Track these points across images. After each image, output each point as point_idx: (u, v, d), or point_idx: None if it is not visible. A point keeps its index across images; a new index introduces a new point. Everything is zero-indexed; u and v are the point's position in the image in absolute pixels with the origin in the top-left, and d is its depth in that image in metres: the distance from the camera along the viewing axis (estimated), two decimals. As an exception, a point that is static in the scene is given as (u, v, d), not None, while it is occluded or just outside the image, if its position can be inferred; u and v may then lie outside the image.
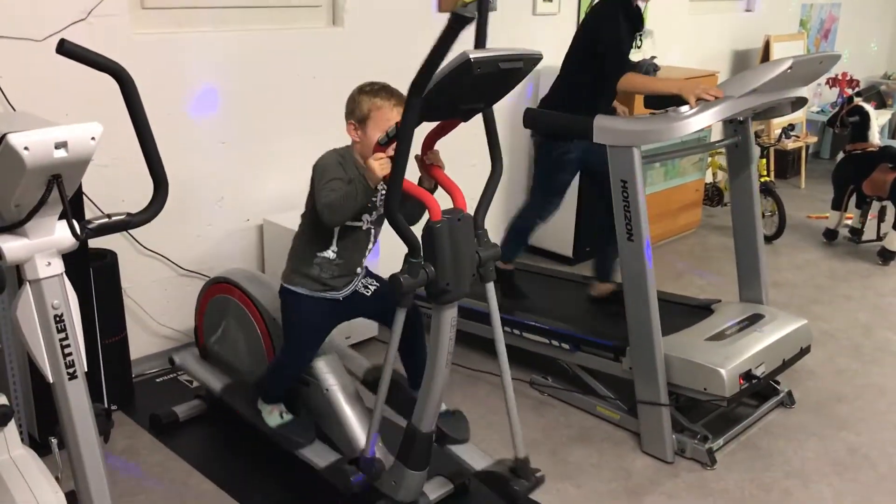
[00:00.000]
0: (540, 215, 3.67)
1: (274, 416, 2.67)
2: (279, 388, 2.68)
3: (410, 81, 1.98)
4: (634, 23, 3.36)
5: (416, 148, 2.40)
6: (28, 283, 1.60)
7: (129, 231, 3.07)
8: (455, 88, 2.05)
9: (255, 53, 3.42)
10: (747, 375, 2.91)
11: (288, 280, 2.54)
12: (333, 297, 2.54)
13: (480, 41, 2.23)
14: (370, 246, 2.56)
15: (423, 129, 2.34)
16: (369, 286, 2.62)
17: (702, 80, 3.31)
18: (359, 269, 2.57)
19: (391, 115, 2.36)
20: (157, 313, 3.40)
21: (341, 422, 2.56)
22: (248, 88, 3.43)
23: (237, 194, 3.51)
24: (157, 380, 3.39)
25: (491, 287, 2.38)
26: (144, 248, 3.28)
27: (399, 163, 2.08)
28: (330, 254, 2.48)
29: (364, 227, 2.49)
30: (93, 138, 1.52)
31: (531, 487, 2.46)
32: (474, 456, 2.57)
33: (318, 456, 2.58)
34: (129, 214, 1.72)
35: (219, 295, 2.94)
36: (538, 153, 3.60)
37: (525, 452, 2.46)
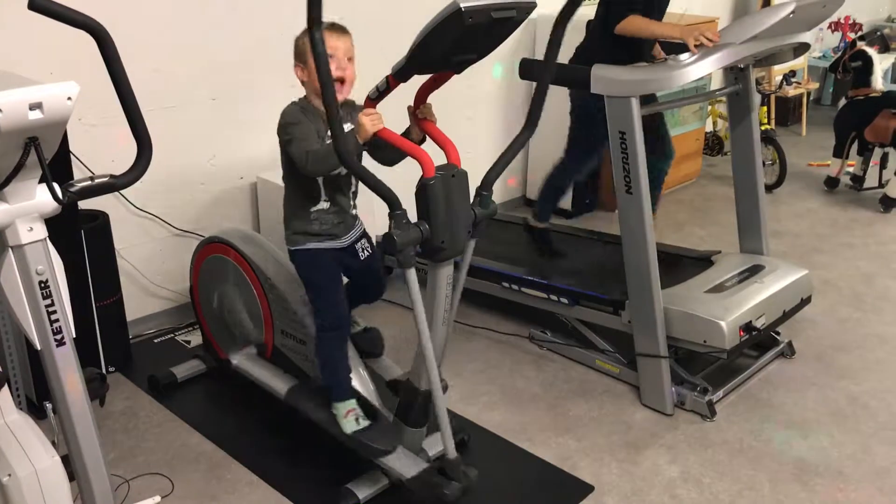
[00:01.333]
0: (579, 171, 3.61)
1: (350, 420, 2.46)
2: (340, 375, 2.52)
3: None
4: None
5: (409, 99, 2.36)
6: (10, 250, 1.56)
7: (121, 191, 3.02)
8: (446, 39, 1.99)
9: (244, 6, 3.34)
10: (747, 327, 2.89)
11: (294, 242, 2.49)
12: (335, 247, 2.51)
13: None
14: (353, 187, 2.51)
15: (416, 82, 2.29)
16: (364, 249, 2.59)
17: (702, 26, 3.19)
18: (353, 210, 2.53)
19: (329, 38, 2.22)
20: (153, 274, 3.38)
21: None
22: (239, 43, 3.35)
23: (229, 152, 3.46)
24: (156, 340, 3.38)
25: (471, 243, 2.33)
26: (137, 208, 3.24)
27: (332, 107, 1.91)
28: (323, 204, 2.45)
29: (344, 172, 2.43)
30: (69, 98, 1.47)
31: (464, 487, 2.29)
32: (389, 369, 2.77)
33: (401, 463, 2.37)
34: (112, 176, 1.67)
35: (213, 255, 2.91)
36: (576, 108, 3.43)
37: (445, 383, 2.53)
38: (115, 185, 1.67)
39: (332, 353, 2.51)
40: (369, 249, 2.61)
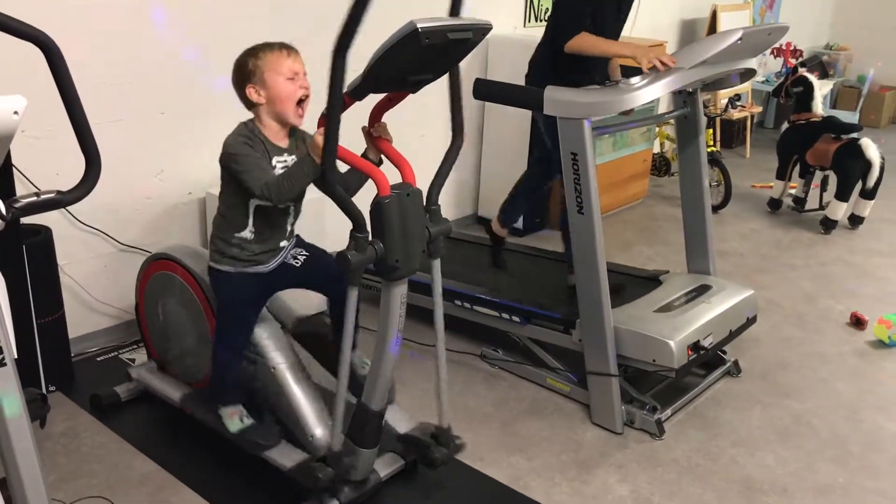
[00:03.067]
0: (542, 185, 3.67)
1: (234, 420, 2.56)
2: (229, 384, 2.56)
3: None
4: None
5: (363, 119, 2.35)
6: (-50, 267, 1.50)
7: (65, 206, 2.94)
8: (403, 60, 1.99)
9: (192, 21, 3.29)
10: (695, 346, 2.93)
11: (213, 260, 2.47)
12: (259, 271, 2.46)
13: (455, 8, 2.15)
14: (290, 220, 2.48)
15: (371, 101, 2.29)
16: (298, 256, 2.53)
17: (656, 48, 3.26)
18: (283, 244, 2.49)
19: (286, 60, 2.29)
20: (97, 290, 3.29)
21: (289, 401, 2.51)
22: (189, 56, 3.30)
23: (178, 166, 3.40)
24: (98, 358, 3.29)
25: (437, 263, 2.34)
26: (82, 223, 3.16)
27: (331, 131, 1.99)
28: (247, 234, 2.41)
29: (282, 205, 2.38)
30: (16, 112, 1.42)
31: (450, 454, 2.49)
32: (399, 419, 2.61)
33: (284, 456, 2.48)
34: (59, 192, 1.62)
35: (160, 272, 2.85)
36: (542, 123, 3.39)
37: (448, 423, 2.49)
38: (61, 201, 1.62)
39: (225, 365, 2.53)
40: (305, 253, 2.53)
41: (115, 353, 3.32)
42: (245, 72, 2.34)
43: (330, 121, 1.99)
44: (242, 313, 2.52)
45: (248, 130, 2.35)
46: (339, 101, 1.96)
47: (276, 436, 2.54)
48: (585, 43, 3.10)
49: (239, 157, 2.28)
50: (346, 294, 2.17)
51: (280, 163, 2.35)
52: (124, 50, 3.12)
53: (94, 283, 3.27)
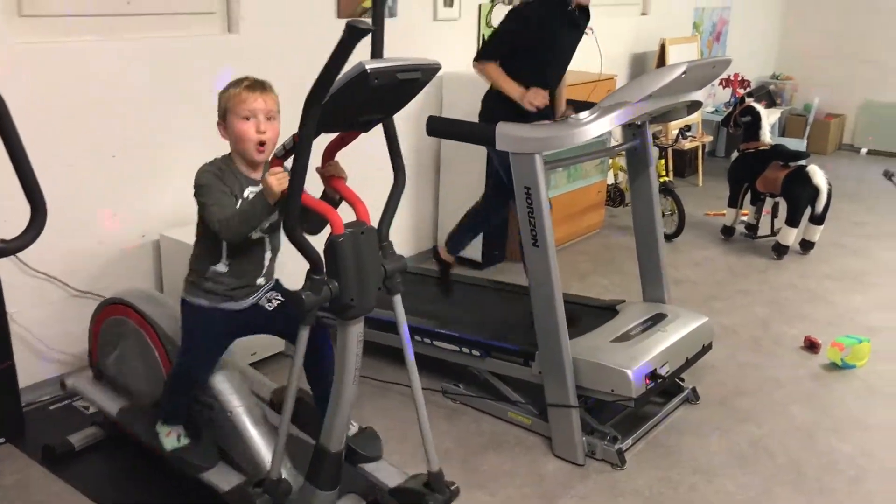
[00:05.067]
0: (493, 217, 3.73)
1: (171, 439, 2.54)
2: (178, 405, 2.55)
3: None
4: (562, 13, 3.41)
5: (315, 160, 2.36)
6: None
7: (14, 252, 2.90)
8: (352, 100, 2.01)
9: (146, 62, 3.29)
10: (653, 375, 2.96)
11: (187, 292, 2.46)
12: (231, 308, 2.43)
13: (377, 50, 2.20)
14: (268, 255, 2.46)
15: (323, 140, 2.30)
16: (273, 300, 2.50)
17: (536, 90, 3.42)
18: (259, 281, 2.46)
19: (246, 99, 2.28)
20: (49, 337, 3.23)
21: (247, 445, 2.47)
22: (141, 98, 3.29)
23: (131, 209, 3.37)
24: (51, 407, 3.22)
25: (398, 299, 2.35)
26: (32, 269, 3.10)
27: (297, 177, 2.01)
28: (221, 267, 2.39)
29: (255, 237, 2.39)
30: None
31: (447, 501, 2.44)
32: (388, 473, 2.52)
33: (222, 479, 2.48)
34: (1, 241, 1.61)
35: (113, 316, 2.81)
36: (496, 158, 3.50)
37: (438, 465, 2.43)
38: (5, 250, 1.61)
39: (178, 388, 2.52)
40: (279, 298, 2.50)
41: (69, 400, 3.25)
42: (218, 107, 2.35)
43: (296, 168, 1.97)
44: (208, 348, 2.48)
45: (222, 161, 2.36)
46: (306, 149, 1.94)
47: (213, 458, 2.53)
48: (488, 71, 3.38)
49: (203, 189, 2.29)
50: (301, 332, 2.16)
51: (252, 193, 2.34)
52: (75, 94, 3.10)
53: (46, 331, 3.21)
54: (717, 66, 3.07)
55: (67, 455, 2.86)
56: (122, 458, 2.86)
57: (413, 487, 2.44)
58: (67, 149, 3.11)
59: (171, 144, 3.41)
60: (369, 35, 1.91)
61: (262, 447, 2.47)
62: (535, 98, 3.37)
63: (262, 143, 2.30)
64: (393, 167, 2.36)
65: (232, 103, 2.30)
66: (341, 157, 2.36)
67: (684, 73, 2.78)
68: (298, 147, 1.99)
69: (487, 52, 3.37)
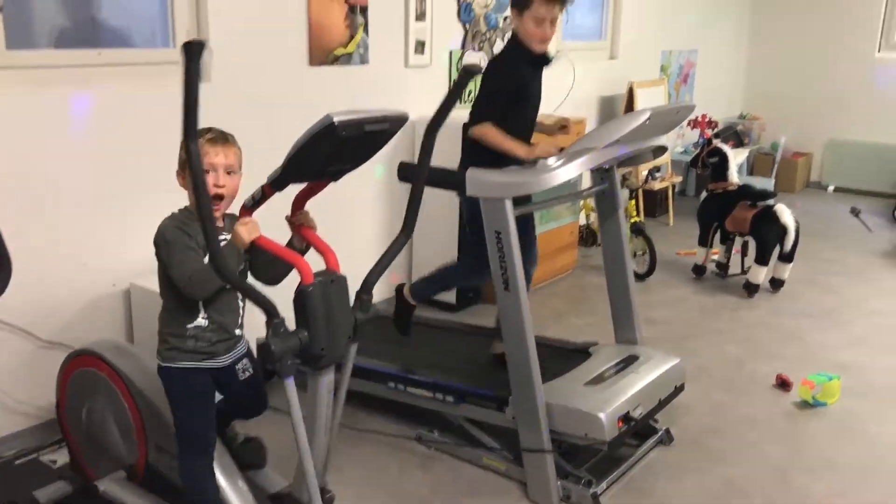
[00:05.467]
0: (468, 278, 3.66)
1: None
2: (208, 495, 2.42)
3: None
4: (530, 63, 3.38)
5: (286, 208, 2.37)
6: None
7: (-20, 304, 2.86)
8: (321, 151, 2.03)
9: (117, 112, 3.30)
10: (626, 418, 2.97)
11: (164, 358, 2.38)
12: (213, 367, 2.41)
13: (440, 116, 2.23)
14: (241, 303, 2.44)
15: (293, 189, 2.31)
16: (245, 370, 2.50)
17: (545, 140, 3.39)
18: (237, 332, 2.45)
19: (209, 152, 2.25)
20: (15, 390, 3.18)
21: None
22: (112, 147, 3.30)
23: (102, 258, 3.35)
24: (17, 462, 3.15)
25: (353, 347, 2.34)
26: (-1, 320, 3.07)
27: (207, 224, 1.90)
28: (201, 321, 2.35)
29: (229, 286, 2.36)
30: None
31: None
32: (271, 480, 2.64)
33: None
34: (-34, 298, 1.59)
35: (82, 368, 2.78)
36: (468, 210, 3.37)
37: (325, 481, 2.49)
38: (-31, 307, 1.59)
39: (197, 477, 2.39)
40: (250, 370, 2.52)
41: (35, 454, 3.18)
42: (179, 157, 2.32)
43: (203, 215, 1.89)
44: (204, 410, 2.42)
45: (183, 214, 2.33)
46: (204, 190, 1.88)
47: None
48: (487, 134, 3.20)
49: (168, 246, 2.25)
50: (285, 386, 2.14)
51: (221, 240, 2.33)
52: (45, 145, 3.10)
53: (12, 382, 3.16)
54: (681, 111, 3.13)
55: (33, 511, 2.80)
56: (91, 514, 2.81)
57: (288, 493, 2.49)
58: (37, 198, 3.10)
59: (141, 194, 3.40)
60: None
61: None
62: (545, 152, 3.09)
63: (218, 198, 2.27)
64: (404, 220, 2.36)
65: None
66: (314, 205, 2.37)
67: (648, 119, 2.83)
68: (196, 193, 1.88)
69: (484, 113, 3.24)
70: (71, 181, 3.20)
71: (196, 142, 1.83)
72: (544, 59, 3.43)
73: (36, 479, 2.96)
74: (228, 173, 2.30)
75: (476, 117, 3.25)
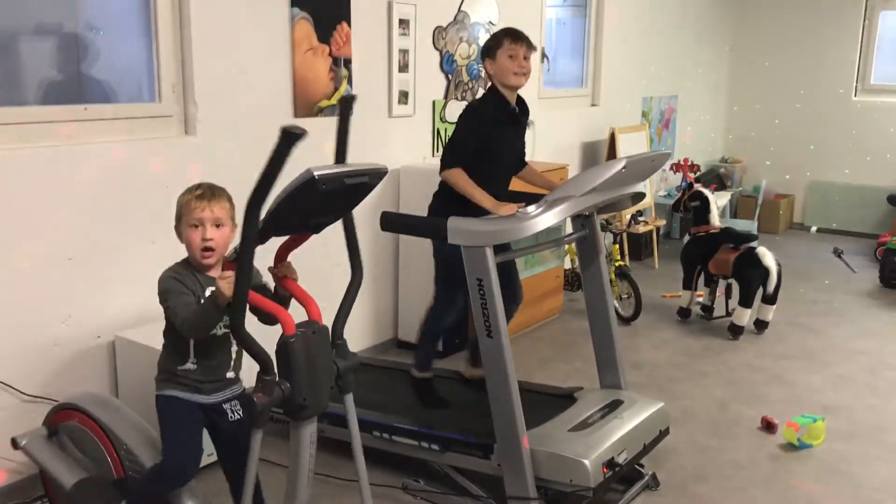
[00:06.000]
0: (449, 312, 3.69)
1: None
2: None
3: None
4: (505, 113, 3.50)
5: (269, 259, 2.41)
6: None
7: (-36, 359, 2.87)
8: (302, 204, 2.08)
9: (103, 166, 3.34)
10: (610, 463, 2.98)
11: (159, 387, 2.50)
12: (199, 402, 2.48)
13: (340, 154, 2.27)
14: (234, 349, 2.51)
15: (277, 240, 2.35)
16: (235, 412, 2.55)
17: (510, 206, 3.32)
18: (229, 375, 2.52)
19: (195, 207, 2.37)
20: (-1, 445, 3.16)
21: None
22: (97, 201, 3.33)
23: (86, 311, 3.35)
24: (-1, 516, 3.13)
25: (350, 398, 2.37)
26: (-18, 375, 3.07)
27: (241, 279, 2.06)
28: (189, 366, 2.45)
29: (220, 333, 2.44)
30: None
31: None
32: None
33: None
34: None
35: (66, 422, 2.77)
36: (435, 252, 3.59)
37: None
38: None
39: (150, 490, 2.48)
40: (240, 413, 2.56)
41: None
42: (176, 212, 2.45)
43: (241, 271, 2.04)
44: (189, 435, 2.47)
45: (181, 265, 2.44)
46: (250, 253, 2.01)
47: None
48: (457, 179, 3.33)
49: (166, 294, 2.36)
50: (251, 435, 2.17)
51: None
52: (31, 198, 3.13)
53: (-5, 438, 3.15)
54: (656, 159, 3.20)
55: (15, 569, 2.77)
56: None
57: None
58: (22, 252, 3.12)
59: (128, 247, 3.43)
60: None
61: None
62: (506, 212, 3.18)
63: (206, 250, 2.38)
64: (351, 264, 2.41)
65: (184, 211, 2.40)
66: (298, 252, 2.41)
67: (624, 167, 2.89)
68: (240, 250, 2.04)
69: (452, 159, 3.37)
70: (55, 235, 3.22)
71: (258, 211, 2.01)
72: (519, 114, 3.53)
73: (18, 535, 2.94)
74: (216, 226, 2.39)
75: (446, 161, 3.36)
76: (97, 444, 2.66)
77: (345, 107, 2.26)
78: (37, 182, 3.15)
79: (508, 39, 3.43)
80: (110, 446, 2.61)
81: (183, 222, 2.40)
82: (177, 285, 2.38)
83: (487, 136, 3.41)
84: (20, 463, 3.22)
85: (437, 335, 3.80)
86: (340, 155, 2.31)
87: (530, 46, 3.46)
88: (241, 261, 2.05)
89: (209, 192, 2.40)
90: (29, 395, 3.21)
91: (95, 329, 3.41)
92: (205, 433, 2.54)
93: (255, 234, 2.02)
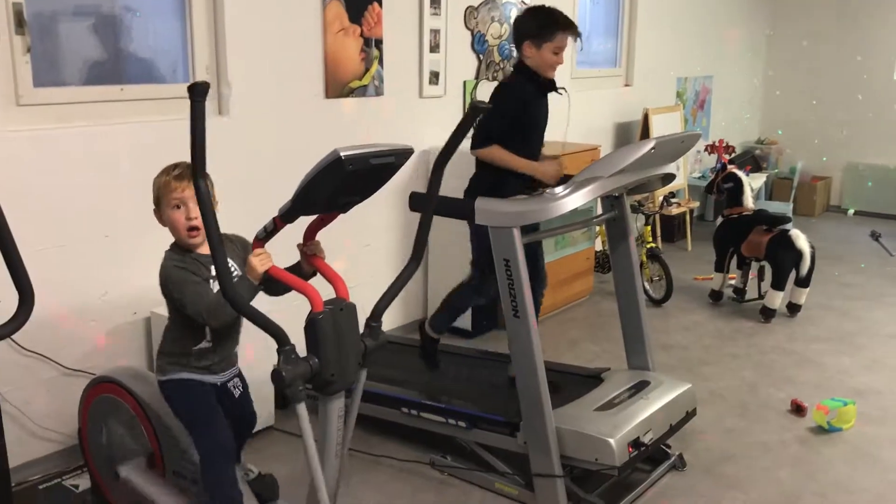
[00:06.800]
0: (479, 293, 3.72)
1: None
2: (232, 495, 2.47)
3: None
4: (538, 88, 3.52)
5: (298, 237, 2.45)
6: None
7: (6, 333, 2.96)
8: (329, 185, 2.10)
9: (137, 145, 3.41)
10: (636, 443, 2.99)
11: (164, 371, 2.50)
12: (211, 382, 2.52)
13: (448, 149, 2.32)
14: (240, 326, 2.57)
15: (305, 218, 2.39)
16: (237, 388, 2.61)
17: (553, 161, 3.54)
18: (235, 349, 2.58)
19: (176, 188, 2.37)
20: (40, 416, 3.26)
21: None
22: (133, 180, 3.39)
23: (123, 288, 3.44)
24: (41, 486, 3.23)
25: (363, 373, 2.40)
26: (23, 348, 3.16)
27: (218, 255, 2.01)
28: (206, 344, 2.48)
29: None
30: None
31: None
32: None
33: None
34: (-10, 328, 1.67)
35: (103, 395, 2.86)
36: (476, 231, 3.56)
37: None
38: (-8, 337, 1.67)
39: (223, 487, 2.45)
40: (241, 387, 2.63)
41: (59, 479, 3.27)
42: (152, 194, 2.45)
43: (215, 251, 1.99)
44: (213, 415, 2.48)
45: (178, 251, 2.43)
46: (215, 226, 1.97)
47: None
48: (494, 154, 3.42)
49: (176, 285, 2.36)
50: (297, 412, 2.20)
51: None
52: (69, 177, 3.21)
53: (36, 409, 3.25)
54: (687, 140, 3.18)
55: (55, 535, 2.87)
56: (110, 538, 2.87)
57: None
58: (61, 229, 3.20)
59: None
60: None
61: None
62: (550, 168, 3.45)
63: (191, 229, 2.38)
64: (413, 250, 2.43)
65: (162, 192, 2.40)
66: (327, 233, 2.45)
67: (653, 148, 2.88)
68: (204, 218, 1.98)
69: (487, 136, 3.41)
70: (93, 213, 3.30)
71: (205, 179, 1.91)
72: (551, 85, 3.53)
73: (58, 503, 3.03)
74: None
75: (481, 139, 3.38)
76: (133, 416, 2.73)
77: (471, 113, 2.29)
78: (75, 161, 3.22)
79: (562, 34, 3.39)
80: (145, 419, 2.69)
81: (163, 204, 2.38)
82: (185, 274, 2.36)
83: (523, 114, 3.43)
84: (61, 433, 3.33)
85: (461, 310, 3.85)
86: (446, 153, 2.33)
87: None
88: (210, 234, 1.99)
89: (187, 170, 2.37)
90: (68, 369, 3.31)
91: (131, 305, 3.49)
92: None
93: (209, 199, 1.98)
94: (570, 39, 3.47)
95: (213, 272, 2.37)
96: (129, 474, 2.77)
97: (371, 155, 2.07)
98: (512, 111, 3.45)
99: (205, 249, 2.42)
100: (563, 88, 3.60)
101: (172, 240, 2.48)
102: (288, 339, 2.13)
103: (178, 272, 2.36)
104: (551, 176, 3.43)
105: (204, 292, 2.35)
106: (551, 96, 3.61)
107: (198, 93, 1.79)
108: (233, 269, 2.37)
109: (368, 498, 3.16)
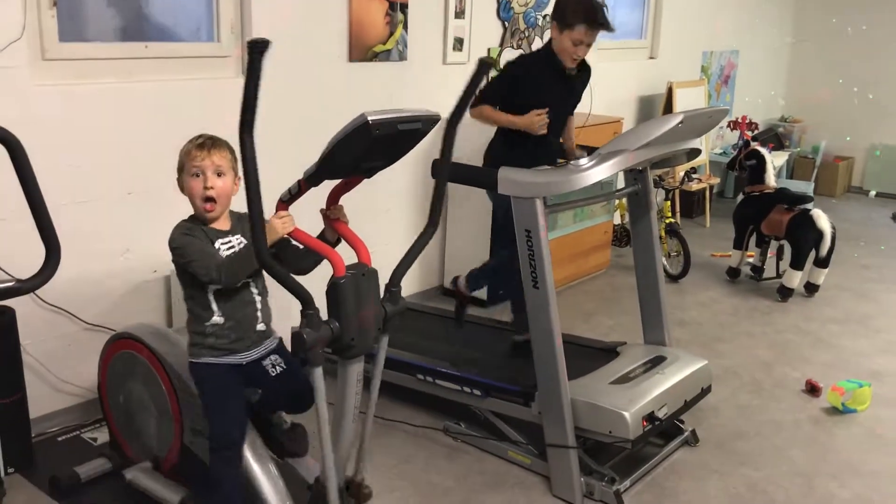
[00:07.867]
0: (505, 270, 3.70)
1: None
2: (231, 493, 2.43)
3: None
4: (553, 69, 3.49)
5: (320, 202, 2.44)
6: None
7: (29, 287, 2.98)
8: (355, 149, 2.10)
9: (161, 104, 3.40)
10: (650, 417, 3.00)
11: (192, 354, 2.49)
12: (236, 362, 2.48)
13: (458, 110, 2.32)
14: (258, 299, 2.50)
15: (329, 183, 2.39)
16: (276, 366, 2.55)
17: (539, 112, 3.44)
18: (259, 327, 2.50)
19: (195, 156, 2.37)
20: (60, 369, 3.30)
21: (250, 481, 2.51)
22: (156, 138, 3.40)
23: (144, 245, 3.46)
24: (59, 438, 3.28)
25: (385, 339, 2.41)
26: (46, 302, 3.19)
27: (255, 213, 1.99)
28: (217, 319, 2.43)
29: (238, 284, 2.42)
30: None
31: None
32: (311, 469, 2.63)
33: None
34: (18, 280, 1.69)
35: (122, 351, 2.88)
36: (494, 200, 3.61)
37: (362, 475, 2.56)
38: (20, 289, 1.69)
39: (223, 474, 2.42)
40: (283, 365, 2.56)
41: (77, 432, 3.32)
42: (178, 162, 2.44)
43: (252, 203, 1.97)
44: (229, 405, 2.45)
45: (189, 221, 2.43)
46: (255, 181, 1.94)
47: None
48: (484, 113, 3.49)
49: (183, 249, 2.34)
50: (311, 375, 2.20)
51: (224, 244, 2.42)
52: (93, 134, 3.21)
53: (57, 362, 3.29)
54: (714, 115, 3.14)
55: (73, 486, 2.91)
56: (128, 490, 2.91)
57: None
58: (84, 186, 3.21)
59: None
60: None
61: (265, 483, 2.50)
62: (529, 119, 3.41)
63: (207, 199, 2.37)
64: (429, 215, 2.42)
65: (185, 160, 2.39)
66: (347, 199, 2.44)
67: (681, 122, 2.85)
68: (246, 181, 1.94)
69: (480, 97, 3.45)
70: (116, 171, 3.31)
71: (251, 135, 1.90)
72: (579, 73, 3.52)
73: (77, 455, 3.08)
74: (218, 175, 2.37)
75: (475, 100, 3.39)
76: (153, 373, 2.76)
77: (481, 68, 2.27)
78: (97, 118, 3.22)
79: (585, 27, 3.32)
80: (164, 375, 2.71)
81: (185, 172, 2.38)
82: (191, 240, 2.35)
83: (526, 89, 3.41)
84: (80, 387, 3.37)
85: (496, 275, 3.87)
86: (458, 111, 2.32)
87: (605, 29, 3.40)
88: (248, 188, 1.95)
89: (210, 141, 2.38)
90: (89, 324, 3.34)
91: (152, 263, 3.51)
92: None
93: (254, 158, 1.93)
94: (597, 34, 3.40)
95: (220, 247, 2.39)
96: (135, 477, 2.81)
97: (398, 120, 2.06)
98: (509, 78, 3.50)
99: (218, 225, 2.43)
100: (573, 70, 3.54)
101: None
102: (313, 302, 2.14)
103: (185, 238, 2.35)
104: (536, 126, 3.40)
105: (212, 252, 2.34)
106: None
107: (257, 49, 1.78)
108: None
109: (382, 462, 3.19)
